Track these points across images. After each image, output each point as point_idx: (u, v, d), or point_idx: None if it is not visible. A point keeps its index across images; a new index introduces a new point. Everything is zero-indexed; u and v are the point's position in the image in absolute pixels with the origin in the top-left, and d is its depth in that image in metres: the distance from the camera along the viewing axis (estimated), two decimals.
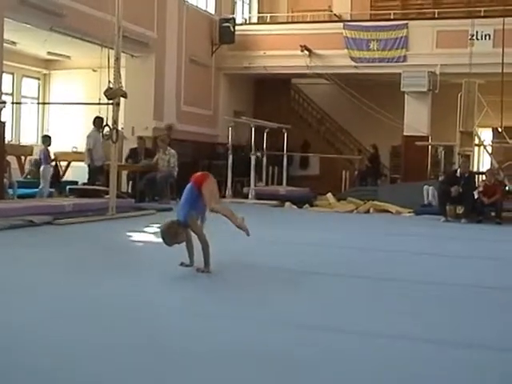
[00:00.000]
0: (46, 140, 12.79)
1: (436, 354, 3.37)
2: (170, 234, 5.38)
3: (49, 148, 12.69)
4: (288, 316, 4.10)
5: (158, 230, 5.49)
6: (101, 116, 11.21)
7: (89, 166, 13.27)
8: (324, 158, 19.91)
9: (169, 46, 16.33)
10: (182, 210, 5.43)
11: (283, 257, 6.76)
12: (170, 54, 16.41)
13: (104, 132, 10.93)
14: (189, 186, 5.51)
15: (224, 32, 18.05)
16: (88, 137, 13.09)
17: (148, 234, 8.22)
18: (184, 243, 5.49)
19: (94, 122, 12.70)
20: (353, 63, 17.72)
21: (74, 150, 16.42)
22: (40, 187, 12.27)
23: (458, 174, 12.25)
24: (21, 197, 11.76)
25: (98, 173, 12.96)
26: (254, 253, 6.92)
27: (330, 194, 15.22)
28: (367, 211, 13.67)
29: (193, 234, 5.46)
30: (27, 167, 14.35)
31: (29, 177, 13.90)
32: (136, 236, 8.01)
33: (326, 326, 3.88)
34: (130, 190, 14.41)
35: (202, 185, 5.44)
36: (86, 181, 13.57)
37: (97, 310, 4.06)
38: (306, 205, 14.40)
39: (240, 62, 18.63)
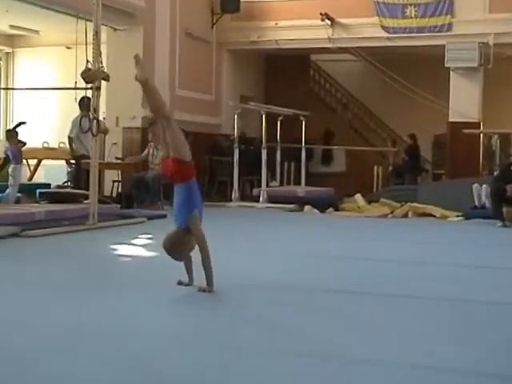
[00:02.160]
0: (12, 135, 12.86)
1: None
2: (178, 247, 5.41)
3: (18, 144, 12.75)
4: (313, 345, 4.08)
5: (162, 246, 5.48)
6: (90, 96, 11.01)
7: (72, 162, 13.28)
8: (351, 150, 19.88)
9: (160, 17, 16.34)
10: (181, 215, 5.43)
11: (303, 273, 6.73)
12: (161, 26, 16.42)
13: (81, 123, 10.93)
14: (179, 187, 5.51)
15: None
16: (72, 122, 13.05)
17: (137, 247, 8.22)
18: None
19: (81, 104, 12.60)
20: (385, 34, 17.66)
21: (46, 145, 16.46)
22: (6, 191, 12.32)
23: None
24: None
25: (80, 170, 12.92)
26: (265, 268, 6.89)
27: (358, 195, 15.20)
28: (405, 215, 13.64)
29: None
30: None
31: None
32: (122, 249, 8.01)
33: (366, 356, 3.87)
34: (114, 194, 14.44)
35: (190, 178, 5.55)
36: (61, 182, 13.62)
37: (75, 340, 4.05)
38: (330, 208, 14.38)
39: (247, 35, 18.62)
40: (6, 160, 12.94)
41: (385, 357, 3.88)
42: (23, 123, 13.26)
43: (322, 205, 14.51)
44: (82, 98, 11.86)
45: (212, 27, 18.45)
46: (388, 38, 17.70)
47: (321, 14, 17.73)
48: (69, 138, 13.14)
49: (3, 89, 19.69)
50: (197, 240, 5.46)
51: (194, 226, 5.45)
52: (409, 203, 14.08)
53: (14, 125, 13.75)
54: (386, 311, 5.13)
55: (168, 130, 5.66)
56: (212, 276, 5.42)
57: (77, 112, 12.81)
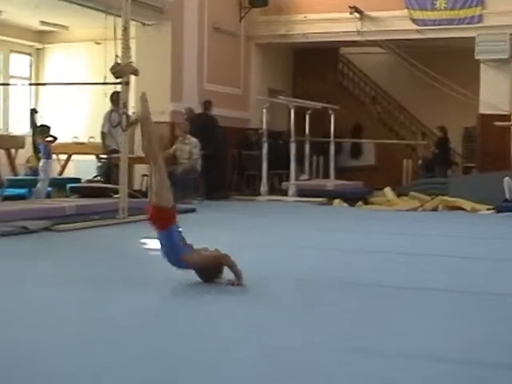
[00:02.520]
0: (44, 130, 12.97)
1: None
2: (211, 274, 5.49)
3: (48, 139, 12.87)
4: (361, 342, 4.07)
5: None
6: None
7: (101, 157, 13.37)
8: (380, 144, 19.81)
9: (188, 12, 16.37)
10: (174, 262, 5.44)
11: (336, 267, 6.72)
12: (190, 20, 16.45)
13: (111, 118, 11.01)
14: (160, 234, 5.47)
15: None
16: (104, 117, 13.14)
17: None
18: None
19: (112, 99, 12.67)
20: (414, 26, 17.56)
21: (76, 140, 16.57)
22: (37, 186, 12.43)
23: None
24: (8, 198, 11.90)
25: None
26: (298, 263, 6.89)
27: (388, 189, 15.15)
28: (435, 209, 13.58)
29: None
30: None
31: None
32: (152, 243, 8.01)
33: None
34: (143, 188, 14.49)
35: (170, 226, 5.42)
36: (91, 177, 13.72)
37: (109, 333, 4.07)
38: (360, 202, 14.36)
39: (275, 28, 18.60)
40: (37, 153, 13.06)
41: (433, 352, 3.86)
42: (34, 111, 13.35)
43: (351, 198, 14.48)
44: (113, 93, 11.93)
45: (240, 21, 18.44)
46: (417, 31, 17.60)
47: (350, 7, 17.66)
48: (101, 132, 13.23)
49: (34, 84, 19.84)
50: (210, 261, 5.44)
51: (194, 261, 5.40)
52: (439, 196, 14.01)
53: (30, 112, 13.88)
54: (429, 306, 5.08)
55: (155, 173, 5.51)
56: (237, 269, 5.40)
57: (107, 107, 12.89)
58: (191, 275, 5.50)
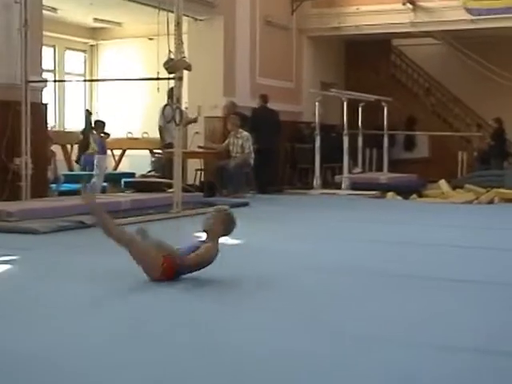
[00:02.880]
0: (100, 126, 13.16)
1: None
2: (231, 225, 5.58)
3: (103, 135, 13.07)
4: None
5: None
6: None
7: (155, 151, 13.49)
8: (434, 136, 19.63)
9: (240, 6, 16.40)
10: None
11: (393, 261, 6.69)
12: (242, 15, 16.49)
13: (165, 113, 11.09)
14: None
15: None
16: (160, 112, 13.26)
17: None
18: None
19: (169, 94, 12.79)
20: (469, 16, 17.31)
21: (130, 135, 16.76)
22: (92, 181, 12.62)
23: None
24: (63, 193, 12.09)
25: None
26: (351, 255, 6.87)
27: (442, 181, 15.01)
28: (491, 201, 13.40)
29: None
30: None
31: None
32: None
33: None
34: (196, 183, 14.60)
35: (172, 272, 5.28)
36: (146, 172, 13.86)
37: (160, 330, 4.12)
38: (414, 195, 14.25)
39: (327, 21, 18.53)
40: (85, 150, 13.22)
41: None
42: (88, 112, 13.51)
43: (405, 191, 14.38)
44: (171, 89, 11.98)
45: (292, 14, 18.41)
46: (472, 21, 17.34)
47: None
48: (159, 126, 13.34)
49: (88, 81, 20.11)
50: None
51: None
52: (495, 189, 13.83)
53: None
54: (485, 299, 5.03)
55: (130, 252, 5.26)
56: None
57: (160, 102, 12.98)
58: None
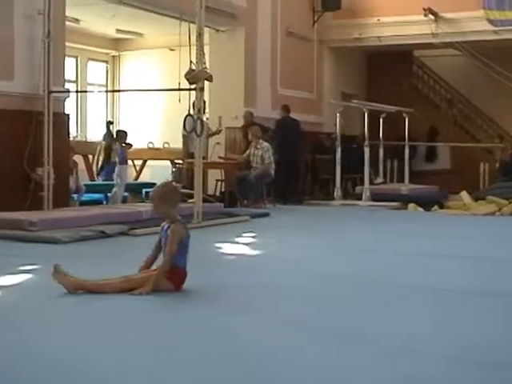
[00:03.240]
0: (122, 136, 13.21)
1: None
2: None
3: (124, 145, 13.11)
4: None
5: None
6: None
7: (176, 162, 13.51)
8: (456, 147, 19.57)
9: (261, 17, 16.46)
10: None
11: (416, 273, 6.66)
12: (263, 26, 16.54)
13: (186, 123, 11.12)
14: None
15: None
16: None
17: (241, 246, 8.30)
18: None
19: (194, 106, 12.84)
20: (492, 27, 17.27)
21: (151, 145, 16.81)
22: (113, 191, 12.67)
23: None
24: (85, 203, 12.15)
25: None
26: (371, 266, 6.86)
27: (464, 193, 14.90)
28: None
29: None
30: None
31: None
32: (226, 248, 8.10)
33: None
34: (217, 193, 14.63)
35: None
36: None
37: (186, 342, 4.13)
38: (435, 206, 14.17)
39: (348, 32, 18.56)
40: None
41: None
42: (110, 122, 13.52)
43: (426, 203, 14.31)
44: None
45: (313, 25, 18.46)
46: (494, 32, 17.30)
47: (424, 8, 17.50)
48: (183, 136, 13.38)
49: (110, 91, 20.23)
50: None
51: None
52: None
53: None
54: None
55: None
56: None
57: (181, 113, 13.01)
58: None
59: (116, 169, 12.93)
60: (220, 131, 14.49)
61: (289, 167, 14.64)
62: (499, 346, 4.02)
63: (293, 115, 15.63)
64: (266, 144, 13.99)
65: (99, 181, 14.50)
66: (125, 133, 13.35)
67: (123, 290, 5.11)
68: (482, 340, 4.14)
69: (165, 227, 5.36)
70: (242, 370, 3.48)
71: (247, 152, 14.12)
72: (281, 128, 15.11)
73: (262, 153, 13.91)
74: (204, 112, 10.52)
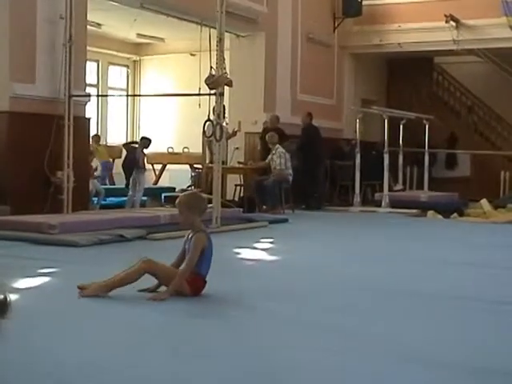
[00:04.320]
0: (146, 143, 13.23)
1: None
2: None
3: (144, 151, 13.14)
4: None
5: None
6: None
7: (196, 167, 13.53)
8: (476, 155, 19.46)
9: (282, 22, 16.47)
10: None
11: (436, 281, 6.63)
12: (283, 31, 16.55)
13: (206, 128, 11.15)
14: None
15: (348, 2, 18.02)
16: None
17: (259, 251, 8.30)
18: None
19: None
20: None
21: (170, 150, 16.87)
22: (129, 195, 12.71)
23: None
24: (104, 207, 12.19)
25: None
26: (393, 274, 6.84)
27: (484, 201, 14.85)
28: None
29: None
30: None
31: None
32: (245, 253, 8.10)
33: None
34: (236, 198, 14.63)
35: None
36: (186, 186, 13.91)
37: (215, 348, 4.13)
38: (455, 214, 14.11)
39: (369, 38, 18.53)
40: (131, 161, 13.23)
41: None
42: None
43: (445, 210, 14.25)
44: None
45: (334, 31, 18.45)
46: None
47: (445, 15, 17.43)
48: (204, 141, 13.39)
49: (130, 95, 20.32)
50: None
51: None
52: None
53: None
54: None
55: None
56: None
57: (201, 118, 13.04)
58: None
59: (134, 173, 12.96)
60: (236, 132, 14.41)
61: (313, 174, 14.68)
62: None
63: (313, 121, 15.64)
64: (280, 150, 13.91)
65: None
66: (149, 140, 13.36)
67: (141, 275, 5.19)
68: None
69: (189, 236, 5.37)
70: (258, 373, 3.48)
71: (269, 157, 14.09)
72: (309, 136, 15.08)
73: (275, 158, 13.87)
74: (224, 117, 10.52)
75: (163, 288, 5.27)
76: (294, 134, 15.10)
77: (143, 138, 13.74)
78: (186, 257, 5.28)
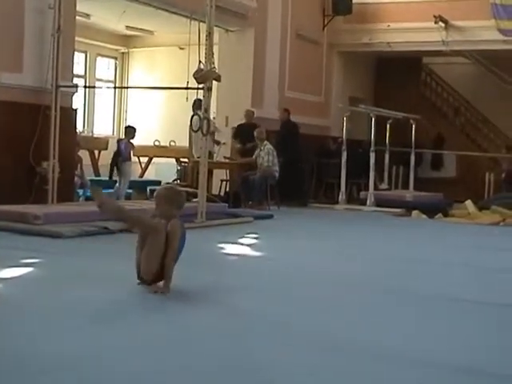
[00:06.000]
0: (130, 132, 13.18)
1: None
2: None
3: (131, 141, 13.10)
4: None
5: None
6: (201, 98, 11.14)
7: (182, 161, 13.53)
8: (462, 156, 19.53)
9: (271, 18, 16.47)
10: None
11: (416, 278, 6.67)
12: (273, 27, 16.55)
13: (192, 123, 11.13)
14: None
15: (339, 0, 18.03)
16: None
17: (243, 246, 8.31)
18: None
19: (194, 106, 12.82)
20: (502, 37, 17.25)
21: (157, 143, 16.84)
22: (116, 186, 12.68)
23: None
24: (90, 199, 12.14)
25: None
26: (377, 273, 6.87)
27: (469, 202, 14.89)
28: None
29: None
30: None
31: None
32: (229, 248, 8.11)
33: None
34: (221, 193, 14.63)
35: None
36: (171, 180, 13.89)
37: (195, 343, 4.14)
38: (439, 214, 14.15)
39: (358, 37, 18.56)
40: (116, 154, 13.19)
41: None
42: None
43: (430, 210, 14.29)
44: (196, 100, 11.96)
45: (323, 29, 18.46)
46: (504, 41, 17.28)
47: (434, 16, 17.50)
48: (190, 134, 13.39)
49: (118, 87, 20.27)
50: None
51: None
52: None
53: None
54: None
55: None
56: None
57: (188, 111, 13.05)
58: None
59: (119, 164, 12.91)
60: (221, 144, 14.56)
61: (292, 169, 14.69)
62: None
63: (300, 118, 15.68)
64: (268, 146, 13.92)
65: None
66: (133, 129, 13.31)
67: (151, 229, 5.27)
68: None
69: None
70: (242, 373, 3.50)
71: (255, 153, 14.09)
72: (287, 132, 15.18)
73: (263, 155, 13.88)
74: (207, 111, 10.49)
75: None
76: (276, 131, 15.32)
77: (128, 127, 13.67)
78: (168, 248, 5.21)
